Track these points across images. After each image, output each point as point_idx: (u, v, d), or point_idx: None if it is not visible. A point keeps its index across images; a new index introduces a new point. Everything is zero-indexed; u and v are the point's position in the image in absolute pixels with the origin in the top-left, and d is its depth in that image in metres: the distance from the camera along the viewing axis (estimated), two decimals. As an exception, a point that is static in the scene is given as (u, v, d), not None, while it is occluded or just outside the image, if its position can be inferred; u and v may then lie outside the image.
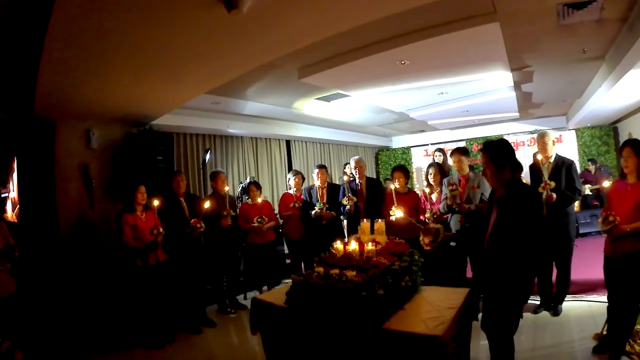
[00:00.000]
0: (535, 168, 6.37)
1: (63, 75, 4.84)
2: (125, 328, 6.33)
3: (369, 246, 4.30)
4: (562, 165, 5.94)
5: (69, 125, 6.68)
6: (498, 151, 3.88)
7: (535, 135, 10.02)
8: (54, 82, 5.00)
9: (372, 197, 7.47)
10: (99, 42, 4.15)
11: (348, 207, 7.25)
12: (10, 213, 6.96)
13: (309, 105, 10.72)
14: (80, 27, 3.76)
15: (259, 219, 7.61)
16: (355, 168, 7.69)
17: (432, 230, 4.35)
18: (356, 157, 7.89)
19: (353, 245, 4.34)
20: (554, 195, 5.58)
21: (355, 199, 7.26)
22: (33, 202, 6.41)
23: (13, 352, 4.24)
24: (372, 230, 4.85)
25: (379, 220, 4.95)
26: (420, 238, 4.40)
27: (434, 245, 4.34)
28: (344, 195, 7.34)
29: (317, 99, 10.20)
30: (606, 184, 4.64)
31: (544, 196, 5.77)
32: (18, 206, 6.57)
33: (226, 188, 7.65)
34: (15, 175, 6.57)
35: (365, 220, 4.98)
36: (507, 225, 3.70)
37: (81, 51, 4.29)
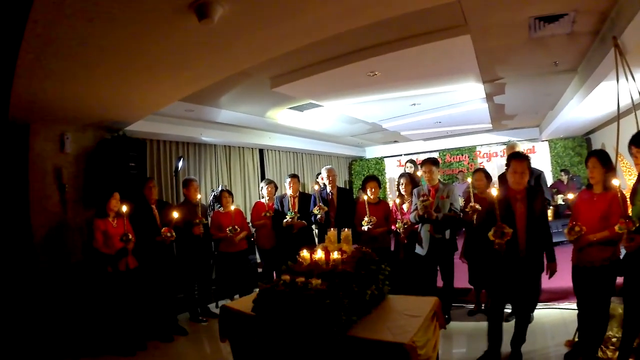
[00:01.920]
0: (504, 178, 6.46)
1: (38, 79, 4.82)
2: (95, 334, 6.27)
3: (335, 255, 4.33)
4: (531, 176, 5.94)
5: (43, 129, 6.61)
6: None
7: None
8: (29, 86, 4.97)
9: (343, 207, 7.53)
10: (75, 46, 4.15)
11: (319, 216, 7.27)
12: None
13: (282, 115, 10.77)
14: (56, 31, 3.77)
15: (231, 229, 7.57)
16: (327, 177, 7.76)
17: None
18: (328, 166, 7.94)
19: (319, 254, 4.38)
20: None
21: (326, 208, 7.29)
22: (5, 205, 6.36)
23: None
24: (339, 239, 4.88)
25: (346, 229, 4.98)
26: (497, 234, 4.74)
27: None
28: (315, 205, 7.35)
29: (290, 108, 10.26)
30: (570, 195, 4.74)
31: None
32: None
33: (198, 196, 7.66)
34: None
35: (332, 229, 5.01)
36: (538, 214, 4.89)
37: (57, 55, 4.29)
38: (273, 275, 8.02)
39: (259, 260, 9.23)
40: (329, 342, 3.60)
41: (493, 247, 4.73)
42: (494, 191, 4.79)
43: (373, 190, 7.17)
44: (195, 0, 3.58)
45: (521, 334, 5.14)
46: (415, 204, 6.55)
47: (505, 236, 4.64)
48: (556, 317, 5.88)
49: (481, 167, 9.64)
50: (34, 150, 6.50)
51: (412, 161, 9.41)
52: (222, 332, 4.67)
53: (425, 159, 6.88)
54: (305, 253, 4.50)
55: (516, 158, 5.04)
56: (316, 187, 7.69)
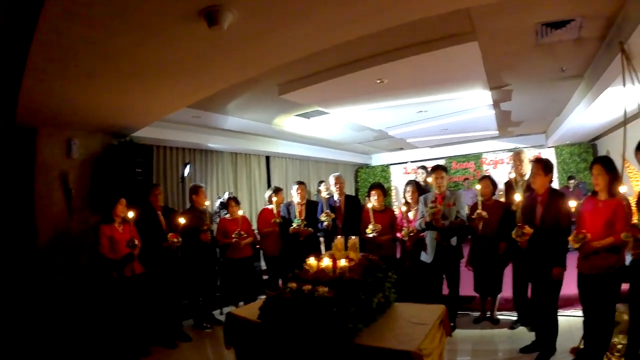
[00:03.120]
0: (509, 185, 6.46)
1: (47, 83, 4.83)
2: (100, 340, 6.26)
3: (342, 262, 4.32)
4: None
5: (51, 133, 6.63)
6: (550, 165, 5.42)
7: (513, 154, 10.16)
8: (37, 90, 4.99)
9: (351, 215, 7.50)
10: (83, 51, 4.17)
11: (326, 223, 7.24)
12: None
13: (288, 122, 10.77)
14: (66, 36, 3.77)
15: (237, 233, 7.56)
16: (335, 184, 7.73)
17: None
18: (336, 173, 7.93)
19: (326, 262, 4.36)
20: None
21: (333, 215, 7.27)
22: (11, 210, 6.36)
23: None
24: (345, 247, 4.87)
25: (353, 237, 4.96)
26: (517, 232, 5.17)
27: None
28: (322, 212, 7.33)
29: (297, 115, 10.25)
30: (572, 203, 4.73)
31: (517, 214, 5.84)
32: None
33: (206, 203, 7.67)
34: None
35: (339, 236, 5.00)
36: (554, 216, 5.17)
37: (65, 60, 4.30)
38: (279, 282, 8.00)
39: (264, 267, 9.21)
40: (336, 350, 3.58)
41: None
42: (517, 196, 5.24)
43: (377, 197, 7.15)
44: (206, 6, 3.58)
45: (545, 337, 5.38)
46: (422, 211, 6.54)
47: (524, 236, 5.04)
48: (562, 324, 5.84)
49: (487, 174, 9.64)
50: (41, 155, 6.52)
51: (424, 167, 9.39)
52: (227, 339, 4.66)
53: (436, 166, 6.86)
54: (312, 260, 4.49)
55: (533, 161, 5.54)
56: (324, 195, 7.66)
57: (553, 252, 5.05)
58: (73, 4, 3.26)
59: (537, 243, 5.16)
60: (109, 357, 6.11)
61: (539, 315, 5.58)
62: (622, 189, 4.43)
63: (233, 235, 7.57)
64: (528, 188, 6.07)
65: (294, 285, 4.04)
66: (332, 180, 7.84)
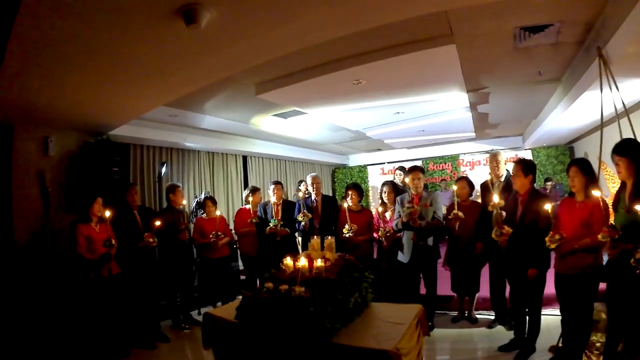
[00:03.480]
0: (486, 186, 6.51)
1: (22, 80, 4.79)
2: (78, 341, 6.19)
3: (319, 262, 4.33)
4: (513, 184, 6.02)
5: (27, 131, 6.57)
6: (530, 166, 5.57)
7: (489, 155, 10.22)
8: (13, 87, 4.94)
9: (328, 215, 7.52)
10: (60, 47, 4.13)
11: (303, 223, 7.25)
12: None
13: (266, 122, 10.75)
14: (42, 33, 3.75)
15: (215, 234, 7.56)
16: (312, 184, 7.73)
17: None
18: (313, 173, 7.93)
19: (303, 262, 4.37)
20: (504, 213, 5.69)
21: (310, 215, 7.28)
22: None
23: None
24: (322, 247, 4.88)
25: (329, 237, 4.98)
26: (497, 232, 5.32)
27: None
28: (299, 212, 7.34)
29: (274, 115, 10.24)
30: (547, 206, 4.77)
31: (494, 215, 5.89)
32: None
33: (183, 202, 7.63)
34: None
35: (316, 236, 5.01)
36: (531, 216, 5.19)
37: (42, 57, 4.27)
38: (256, 282, 7.99)
39: (241, 267, 9.19)
40: (313, 349, 3.60)
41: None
42: (496, 198, 5.36)
43: (353, 197, 7.19)
44: (183, 5, 3.57)
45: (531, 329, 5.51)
46: (399, 211, 6.57)
47: (503, 235, 5.22)
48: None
49: (464, 175, 9.70)
50: (18, 152, 6.46)
51: (402, 168, 9.43)
52: (205, 339, 4.65)
53: (414, 167, 6.90)
54: (288, 260, 4.50)
55: (514, 162, 5.69)
56: (300, 195, 7.66)
57: (531, 252, 5.10)
58: (51, -1, 3.25)
59: (516, 243, 5.24)
60: (87, 359, 6.06)
61: (518, 313, 5.68)
62: (596, 193, 4.47)
63: (211, 236, 7.56)
64: (505, 189, 6.13)
65: (270, 285, 4.05)
66: (309, 180, 7.85)
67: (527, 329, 5.50)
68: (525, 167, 5.48)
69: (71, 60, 4.50)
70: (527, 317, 5.51)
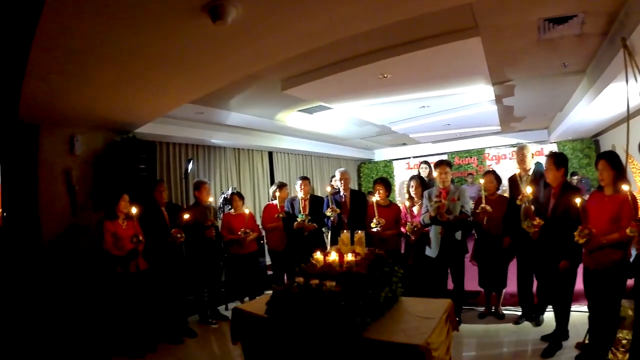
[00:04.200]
0: (513, 180, 6.45)
1: (48, 80, 4.82)
2: (106, 336, 6.27)
3: (349, 257, 4.32)
4: (540, 178, 5.93)
5: (53, 130, 6.64)
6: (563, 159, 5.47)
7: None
8: (39, 87, 4.98)
9: (356, 209, 7.47)
10: (85, 48, 4.15)
11: (332, 218, 7.24)
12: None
13: (291, 117, 10.76)
14: (67, 33, 3.76)
15: (244, 231, 7.60)
16: (340, 180, 7.69)
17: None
18: (342, 169, 7.88)
19: (333, 256, 4.36)
20: (532, 207, 5.64)
21: (338, 210, 7.25)
22: (15, 207, 6.37)
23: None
24: (352, 241, 4.87)
25: (359, 231, 4.97)
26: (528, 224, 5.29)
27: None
28: (327, 207, 7.34)
29: (300, 111, 10.25)
30: (577, 200, 4.70)
31: (522, 208, 5.83)
32: (0, 210, 6.53)
33: (210, 199, 7.66)
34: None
35: (346, 231, 5.00)
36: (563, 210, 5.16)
37: (67, 56, 4.29)
38: (284, 277, 8.02)
39: (268, 263, 9.21)
40: (343, 344, 3.58)
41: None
42: (529, 189, 5.38)
43: (381, 192, 7.17)
44: (209, 1, 3.57)
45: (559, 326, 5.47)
46: (427, 206, 6.54)
47: (534, 227, 5.19)
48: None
49: (491, 169, 9.66)
50: (44, 152, 6.53)
51: (426, 162, 9.38)
52: (234, 334, 4.66)
53: (440, 161, 6.87)
54: (318, 255, 4.50)
55: (546, 156, 5.63)
56: (328, 189, 7.65)
57: (563, 245, 5.03)
58: (75, -1, 3.26)
59: (549, 236, 5.19)
60: (115, 354, 6.12)
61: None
62: (626, 188, 4.41)
63: (240, 232, 7.61)
64: (533, 182, 6.07)
65: (301, 279, 4.04)
66: (337, 175, 7.80)
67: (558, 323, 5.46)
68: (557, 160, 5.41)
69: (95, 60, 4.52)
70: (555, 311, 5.49)
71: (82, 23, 3.65)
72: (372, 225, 6.66)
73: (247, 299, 8.07)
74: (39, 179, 6.48)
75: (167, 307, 6.90)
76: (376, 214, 6.67)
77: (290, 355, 3.93)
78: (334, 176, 8.61)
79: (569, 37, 6.29)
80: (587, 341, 5.08)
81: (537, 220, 5.14)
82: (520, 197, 5.69)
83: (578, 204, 4.64)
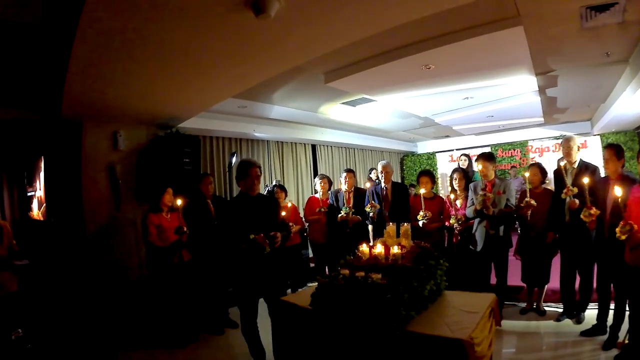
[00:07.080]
0: (559, 173, 6.33)
1: (90, 77, 4.93)
2: (148, 327, 6.41)
3: (395, 249, 4.30)
4: (586, 171, 5.80)
5: (96, 126, 6.81)
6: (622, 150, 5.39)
7: (560, 141, 9.93)
8: (81, 84, 5.09)
9: (398, 202, 7.44)
10: (127, 44, 4.22)
11: (371, 214, 7.19)
12: (36, 211, 7.09)
13: (334, 110, 10.76)
14: (108, 29, 3.83)
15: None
16: (381, 172, 7.64)
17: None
18: (383, 161, 7.85)
19: (379, 249, 4.34)
20: (577, 201, 5.54)
21: (378, 206, 7.21)
22: (59, 201, 6.51)
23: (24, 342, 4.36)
24: (397, 234, 4.85)
25: (405, 224, 4.94)
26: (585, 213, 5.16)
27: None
28: (368, 202, 7.30)
29: (343, 103, 10.25)
30: (618, 192, 4.58)
31: (567, 202, 5.74)
32: (44, 205, 6.67)
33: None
34: (42, 174, 6.68)
35: (391, 223, 4.97)
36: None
37: (109, 53, 4.37)
38: (325, 270, 8.05)
39: (311, 255, 9.24)
40: (388, 336, 3.57)
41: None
42: (585, 179, 5.14)
43: (426, 184, 7.14)
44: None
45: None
46: (472, 199, 6.48)
47: (591, 217, 5.04)
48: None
49: (536, 162, 9.51)
50: (87, 148, 6.71)
51: (466, 155, 9.30)
52: (275, 327, 4.75)
53: (480, 154, 6.79)
54: (364, 247, 4.49)
55: (606, 147, 5.57)
56: (368, 185, 7.63)
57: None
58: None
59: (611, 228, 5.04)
60: (158, 344, 6.24)
61: (602, 299, 5.64)
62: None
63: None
64: (579, 175, 5.97)
65: (346, 271, 4.04)
66: (379, 167, 7.75)
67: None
68: (618, 151, 5.32)
69: (137, 56, 4.60)
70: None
71: (122, 19, 3.71)
72: (419, 217, 6.64)
73: (289, 291, 8.09)
74: (83, 174, 6.65)
75: (209, 298, 6.99)
76: (423, 206, 6.64)
77: (334, 347, 3.93)
78: (372, 169, 8.58)
79: (611, 26, 6.14)
80: (627, 341, 4.96)
81: (594, 210, 4.99)
82: (565, 190, 5.60)
83: (619, 199, 4.53)
